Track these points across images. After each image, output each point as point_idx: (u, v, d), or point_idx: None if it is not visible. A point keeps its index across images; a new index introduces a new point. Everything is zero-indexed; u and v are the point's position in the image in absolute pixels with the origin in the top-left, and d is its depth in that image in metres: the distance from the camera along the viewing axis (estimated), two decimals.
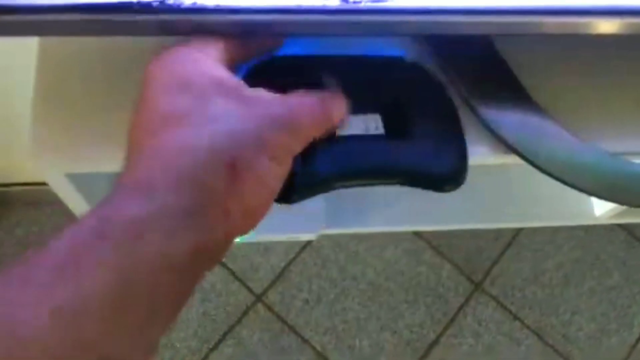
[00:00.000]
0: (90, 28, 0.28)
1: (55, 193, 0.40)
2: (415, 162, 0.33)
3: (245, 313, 1.12)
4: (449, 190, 0.34)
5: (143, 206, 0.23)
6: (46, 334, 0.20)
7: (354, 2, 0.28)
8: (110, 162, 0.32)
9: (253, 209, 0.26)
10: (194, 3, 0.27)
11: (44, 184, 0.38)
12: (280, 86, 0.28)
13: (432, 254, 1.19)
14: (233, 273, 1.15)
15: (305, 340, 1.12)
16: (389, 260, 1.18)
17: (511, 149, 0.36)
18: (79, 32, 0.28)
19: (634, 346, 1.17)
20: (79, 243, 0.22)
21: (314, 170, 0.30)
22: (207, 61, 0.27)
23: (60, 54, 0.36)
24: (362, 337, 1.13)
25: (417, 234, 1.19)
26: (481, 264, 1.20)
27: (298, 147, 0.27)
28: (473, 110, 0.36)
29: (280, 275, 1.16)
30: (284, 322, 1.13)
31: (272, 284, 1.15)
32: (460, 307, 1.16)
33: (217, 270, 1.15)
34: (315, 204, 0.52)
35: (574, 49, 0.38)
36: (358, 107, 0.32)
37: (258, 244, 1.15)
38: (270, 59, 0.33)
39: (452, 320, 1.16)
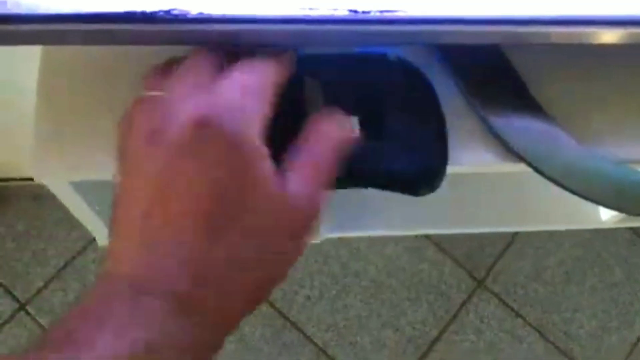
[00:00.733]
0: (94, 38, 0.27)
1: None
2: (384, 165, 0.32)
3: None
4: (423, 194, 0.32)
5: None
6: None
7: (363, 12, 0.27)
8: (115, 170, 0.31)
9: None
10: (201, 13, 0.27)
11: None
12: None
13: (434, 251, 1.19)
14: None
15: (307, 337, 1.12)
16: (390, 257, 1.18)
17: (518, 156, 0.35)
18: (83, 42, 0.28)
19: (635, 344, 1.17)
20: None
21: None
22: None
23: (63, 59, 0.35)
24: (364, 334, 1.13)
25: None
26: (483, 261, 1.20)
27: None
28: (480, 117, 0.36)
29: None
30: (286, 318, 1.13)
31: None
32: (462, 304, 1.16)
33: None
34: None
35: (582, 56, 0.38)
36: (335, 106, 0.31)
37: None
38: None
39: (454, 317, 1.16)
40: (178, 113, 0.25)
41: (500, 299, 1.17)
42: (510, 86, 0.37)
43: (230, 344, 1.10)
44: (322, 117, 0.29)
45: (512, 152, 0.35)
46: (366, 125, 0.31)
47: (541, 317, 1.17)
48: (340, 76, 0.33)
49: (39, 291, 1.11)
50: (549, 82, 0.37)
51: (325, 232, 0.53)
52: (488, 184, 0.56)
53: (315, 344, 1.12)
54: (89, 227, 0.44)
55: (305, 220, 0.27)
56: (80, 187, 0.38)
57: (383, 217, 0.55)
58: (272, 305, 1.13)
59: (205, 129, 0.25)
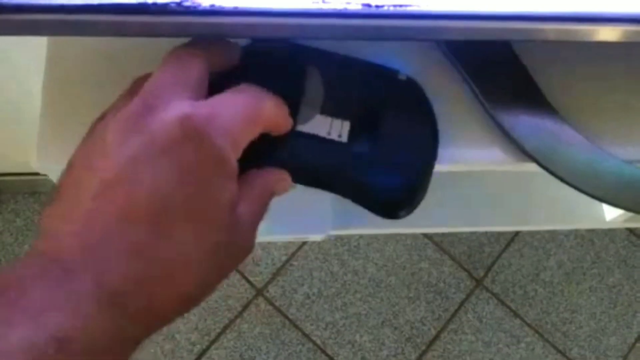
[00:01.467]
0: (105, 29, 0.27)
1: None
2: (357, 177, 0.31)
3: (246, 307, 1.12)
4: (392, 217, 0.32)
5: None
6: None
7: (377, 6, 0.27)
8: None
9: None
10: (212, 5, 0.27)
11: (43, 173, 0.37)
12: (262, 70, 0.29)
13: (434, 250, 1.19)
14: None
15: (305, 335, 1.12)
16: (390, 256, 1.18)
17: (528, 155, 0.35)
18: (94, 33, 0.27)
19: (633, 344, 1.17)
20: None
21: (256, 160, 0.29)
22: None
23: (70, 54, 0.35)
24: (363, 332, 1.13)
25: None
26: (482, 260, 1.20)
27: None
28: (490, 115, 0.35)
29: (281, 269, 1.15)
30: (285, 316, 1.12)
31: (273, 277, 1.14)
32: (461, 304, 1.16)
33: None
34: (322, 206, 0.51)
35: (592, 55, 0.38)
36: (331, 108, 0.31)
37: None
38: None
39: (453, 316, 1.16)
40: (169, 108, 0.25)
41: (499, 299, 1.17)
42: (520, 84, 0.36)
43: (229, 341, 1.10)
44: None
45: (522, 151, 0.35)
46: (356, 131, 0.31)
47: (540, 318, 1.17)
48: (345, 78, 0.33)
49: None
50: (561, 81, 0.37)
51: (325, 230, 0.53)
52: (488, 184, 0.56)
53: (314, 342, 1.12)
54: None
55: (244, 251, 0.27)
56: None
57: None
58: (271, 303, 1.13)
59: (190, 132, 0.24)
